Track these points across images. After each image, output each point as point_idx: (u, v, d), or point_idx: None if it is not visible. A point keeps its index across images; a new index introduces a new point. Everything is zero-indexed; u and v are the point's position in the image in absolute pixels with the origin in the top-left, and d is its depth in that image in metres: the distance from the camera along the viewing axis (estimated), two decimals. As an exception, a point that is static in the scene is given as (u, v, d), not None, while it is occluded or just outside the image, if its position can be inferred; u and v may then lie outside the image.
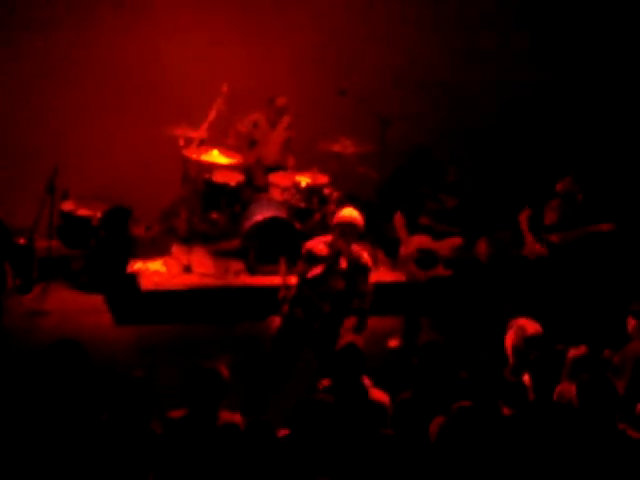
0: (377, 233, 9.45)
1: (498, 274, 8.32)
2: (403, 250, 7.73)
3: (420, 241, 7.62)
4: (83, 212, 8.57)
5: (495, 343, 6.13)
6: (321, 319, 6.50)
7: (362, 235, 6.58)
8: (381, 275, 8.87)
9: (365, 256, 6.59)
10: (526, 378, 5.70)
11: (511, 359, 5.89)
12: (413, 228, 7.67)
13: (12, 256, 6.96)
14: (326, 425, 4.82)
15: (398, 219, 7.72)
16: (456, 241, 7.59)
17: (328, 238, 6.56)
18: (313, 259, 6.50)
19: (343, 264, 6.45)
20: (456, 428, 4.83)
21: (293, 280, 8.19)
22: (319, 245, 6.54)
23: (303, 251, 6.63)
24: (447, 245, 7.58)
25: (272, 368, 6.56)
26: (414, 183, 9.86)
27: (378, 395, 5.50)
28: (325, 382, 5.57)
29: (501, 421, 5.15)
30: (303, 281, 6.54)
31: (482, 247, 7.67)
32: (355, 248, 6.53)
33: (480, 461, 4.82)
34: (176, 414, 5.08)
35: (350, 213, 6.52)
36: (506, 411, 5.30)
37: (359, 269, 6.49)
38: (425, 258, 7.58)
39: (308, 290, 6.51)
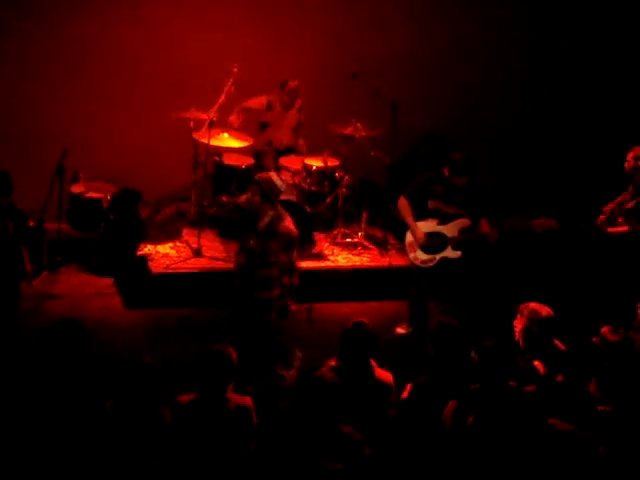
0: (387, 217, 9.42)
1: (506, 253, 8.20)
2: (409, 237, 7.62)
3: (427, 226, 7.54)
4: (92, 195, 8.55)
5: (504, 327, 6.09)
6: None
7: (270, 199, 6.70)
8: (393, 259, 8.86)
9: (287, 225, 6.76)
10: (537, 364, 5.66)
11: (522, 343, 5.85)
12: (421, 212, 7.57)
13: (27, 240, 6.94)
14: (330, 403, 4.78)
15: (402, 204, 7.56)
16: (463, 222, 7.51)
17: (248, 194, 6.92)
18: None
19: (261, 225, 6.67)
20: (469, 411, 4.80)
21: (302, 264, 8.23)
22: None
23: None
24: (454, 227, 7.51)
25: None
26: (424, 167, 9.84)
27: (383, 375, 5.51)
28: (332, 362, 5.53)
29: (514, 402, 5.09)
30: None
31: (485, 226, 7.56)
32: (279, 213, 6.73)
33: (494, 444, 4.80)
34: (185, 398, 5.05)
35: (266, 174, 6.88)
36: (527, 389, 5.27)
37: (274, 235, 6.66)
38: (433, 242, 7.50)
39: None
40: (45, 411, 4.82)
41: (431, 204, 7.51)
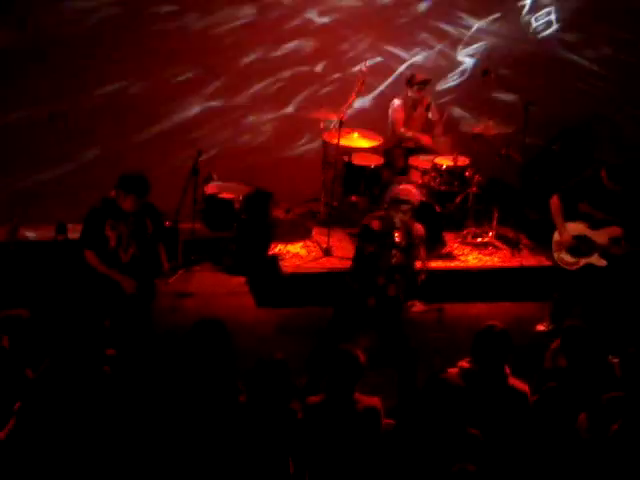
0: (520, 217, 9.25)
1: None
2: (557, 236, 7.46)
3: (577, 228, 7.36)
4: (226, 195, 8.71)
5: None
6: (376, 294, 6.53)
7: (416, 212, 6.63)
8: (524, 259, 8.71)
9: (419, 228, 6.65)
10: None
11: None
12: (571, 214, 7.37)
13: (164, 239, 7.19)
14: (454, 406, 4.74)
15: (555, 202, 7.37)
16: (615, 231, 7.28)
17: (382, 213, 6.64)
18: (368, 235, 6.57)
19: (399, 238, 6.50)
20: (607, 420, 4.67)
21: (432, 264, 8.18)
22: (373, 221, 6.59)
23: (359, 227, 6.74)
24: (605, 234, 7.30)
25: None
26: (558, 165, 9.60)
27: (518, 383, 5.39)
28: (464, 363, 5.48)
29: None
30: (360, 257, 6.62)
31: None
32: (410, 221, 6.60)
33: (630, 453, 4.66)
34: (314, 399, 5.10)
35: (405, 188, 6.62)
36: None
37: (413, 241, 6.56)
38: (581, 246, 7.32)
39: (365, 266, 6.58)
40: (185, 406, 4.98)
41: (582, 207, 7.32)
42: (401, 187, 6.65)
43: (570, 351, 5.36)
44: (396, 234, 6.51)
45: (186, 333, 5.23)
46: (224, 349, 5.16)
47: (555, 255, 7.50)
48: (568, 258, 7.40)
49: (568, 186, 7.38)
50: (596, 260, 7.31)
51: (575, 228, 7.34)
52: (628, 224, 7.26)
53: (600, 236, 7.29)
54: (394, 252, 6.52)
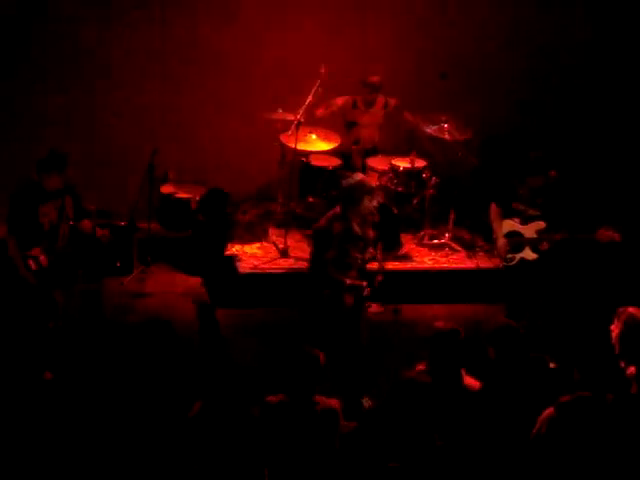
0: (475, 218, 9.31)
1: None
2: (498, 241, 7.60)
3: (509, 225, 7.52)
4: (182, 195, 8.65)
5: (598, 332, 5.98)
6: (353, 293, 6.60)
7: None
8: (480, 261, 8.77)
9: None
10: (631, 370, 5.53)
11: (617, 348, 5.72)
12: (506, 213, 7.52)
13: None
14: (422, 404, 4.78)
15: (493, 209, 7.56)
16: (540, 224, 7.46)
17: (337, 213, 6.66)
18: (328, 239, 6.59)
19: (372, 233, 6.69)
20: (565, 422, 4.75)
21: (388, 265, 8.22)
22: (335, 223, 6.60)
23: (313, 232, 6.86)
24: (532, 228, 7.48)
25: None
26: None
27: (471, 382, 5.47)
28: (420, 366, 5.51)
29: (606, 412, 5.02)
30: (322, 263, 6.64)
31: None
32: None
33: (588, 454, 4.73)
34: (274, 399, 5.08)
35: (366, 177, 6.93)
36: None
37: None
38: (513, 242, 7.47)
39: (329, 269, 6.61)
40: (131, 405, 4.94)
41: (515, 206, 7.48)
42: (363, 176, 6.86)
43: (500, 352, 5.44)
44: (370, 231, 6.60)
45: (130, 333, 5.19)
46: (169, 350, 5.12)
47: (499, 256, 7.66)
48: (509, 256, 7.55)
49: (501, 192, 7.55)
50: (527, 254, 7.48)
51: (508, 224, 7.50)
52: (554, 215, 7.42)
53: (528, 230, 7.46)
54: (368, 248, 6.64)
